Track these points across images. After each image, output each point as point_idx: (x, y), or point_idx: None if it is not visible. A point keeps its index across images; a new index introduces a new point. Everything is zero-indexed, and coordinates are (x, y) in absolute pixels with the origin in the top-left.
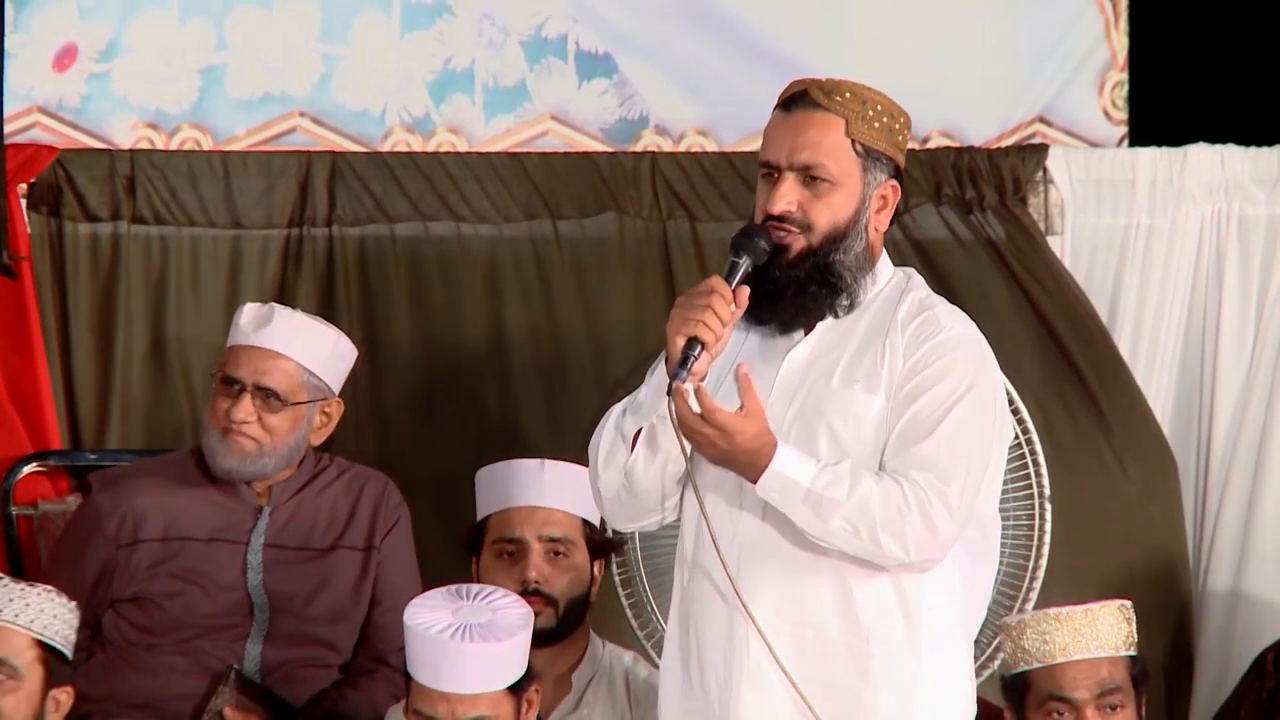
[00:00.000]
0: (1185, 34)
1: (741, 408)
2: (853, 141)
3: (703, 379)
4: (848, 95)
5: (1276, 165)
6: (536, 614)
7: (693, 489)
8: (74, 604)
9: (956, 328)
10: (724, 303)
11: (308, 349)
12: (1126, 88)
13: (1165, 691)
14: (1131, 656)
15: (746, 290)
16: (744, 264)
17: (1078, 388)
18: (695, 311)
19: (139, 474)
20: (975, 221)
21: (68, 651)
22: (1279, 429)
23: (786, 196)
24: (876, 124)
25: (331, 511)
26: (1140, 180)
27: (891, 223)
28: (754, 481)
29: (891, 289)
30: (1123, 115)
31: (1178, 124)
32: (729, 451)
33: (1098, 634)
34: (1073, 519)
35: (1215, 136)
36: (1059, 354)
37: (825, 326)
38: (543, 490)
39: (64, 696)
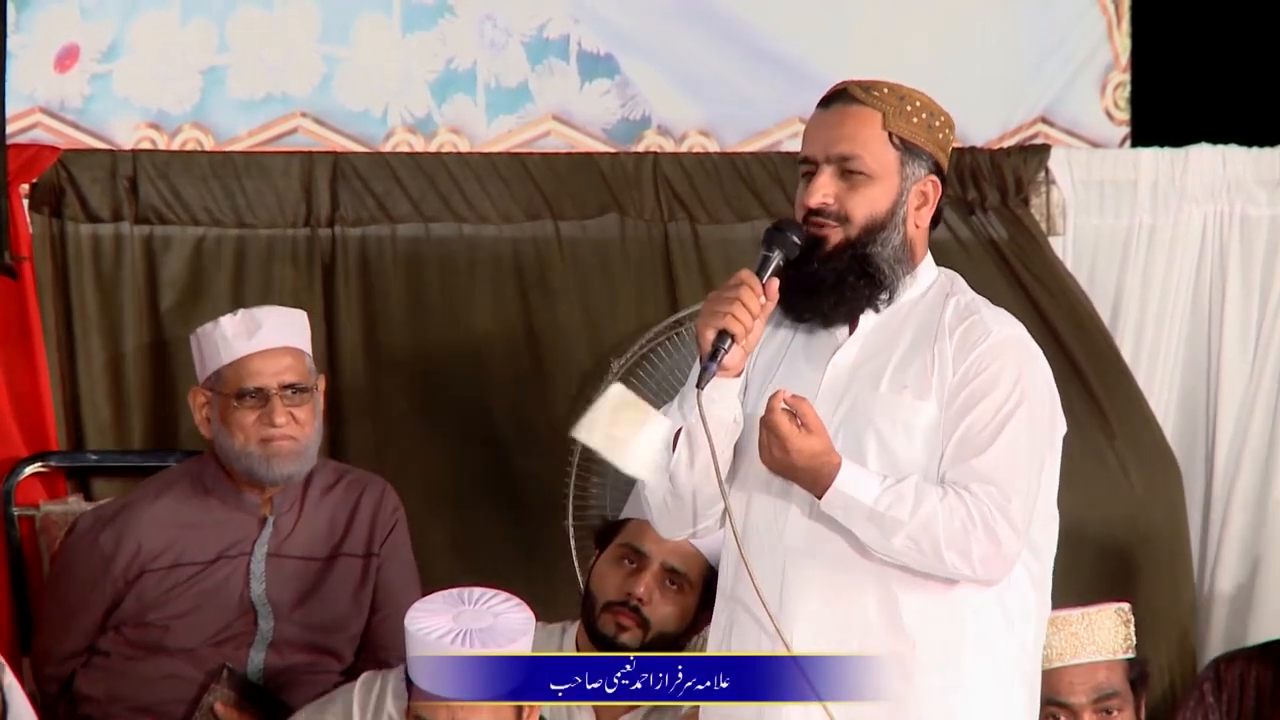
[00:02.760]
0: (1187, 34)
1: (800, 423)
2: (890, 135)
3: (738, 374)
4: (885, 91)
5: (1279, 165)
6: (624, 629)
7: (721, 493)
8: None
9: (1003, 330)
10: (753, 295)
11: (300, 333)
12: (1128, 88)
13: (1169, 695)
14: (1130, 660)
15: (776, 283)
16: (775, 258)
17: (1079, 390)
18: (724, 304)
19: (138, 506)
20: (977, 222)
21: None
22: None
23: (824, 189)
24: (915, 119)
25: (331, 519)
26: (1142, 181)
27: (937, 222)
28: (818, 497)
29: (936, 291)
30: (1125, 116)
31: (1180, 124)
32: (787, 464)
33: (1094, 638)
34: (1074, 522)
35: (1217, 137)
36: (1061, 356)
37: (870, 329)
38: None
39: None
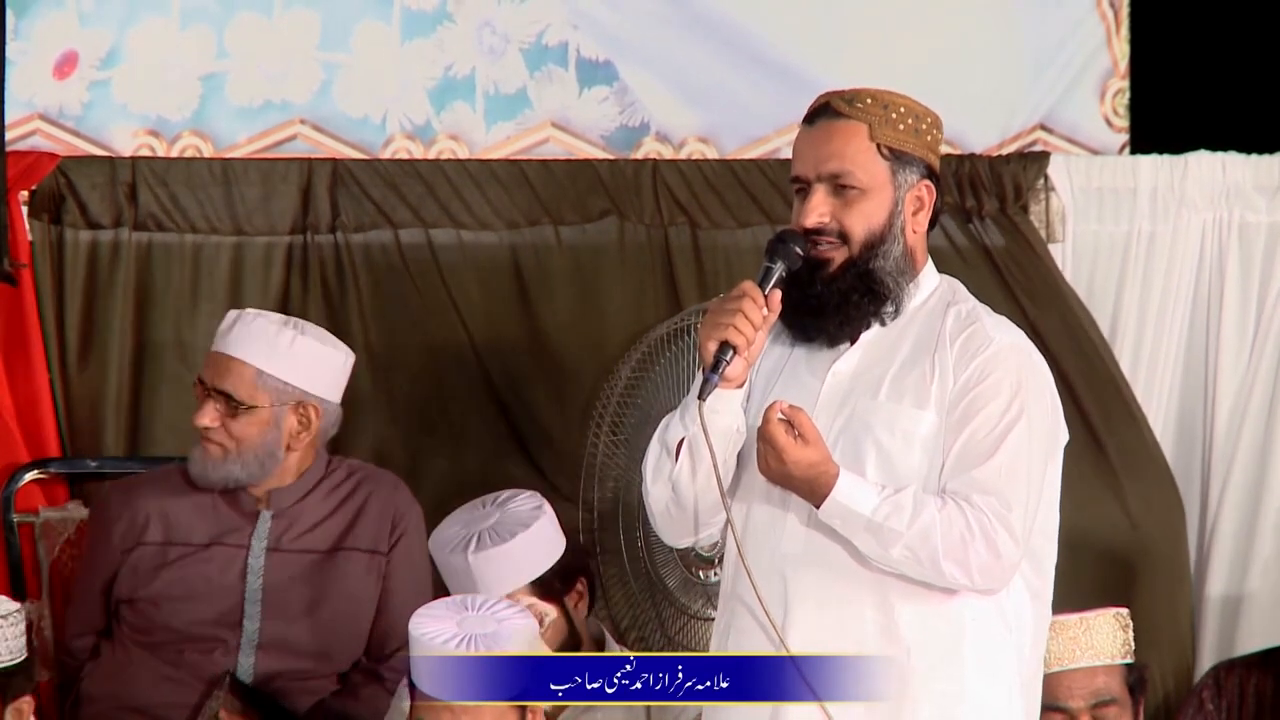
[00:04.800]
0: (1186, 41)
1: (797, 434)
2: (878, 145)
3: (740, 385)
4: (869, 101)
5: (1277, 172)
6: None
7: (723, 503)
8: (16, 606)
9: (1005, 338)
10: (755, 307)
11: (266, 352)
12: (1128, 95)
13: (1165, 705)
14: (1128, 664)
15: (779, 294)
16: (778, 269)
17: (1073, 402)
18: (726, 316)
19: (147, 481)
20: (974, 230)
21: (19, 660)
22: (1279, 435)
23: (818, 209)
24: (901, 125)
25: (338, 514)
26: (1141, 188)
27: (933, 224)
28: (816, 507)
29: (937, 300)
30: (1124, 123)
31: (1179, 131)
32: (783, 474)
33: (1093, 643)
34: (1070, 534)
35: (1216, 144)
36: (1056, 366)
37: (870, 338)
38: (479, 583)
39: (25, 705)
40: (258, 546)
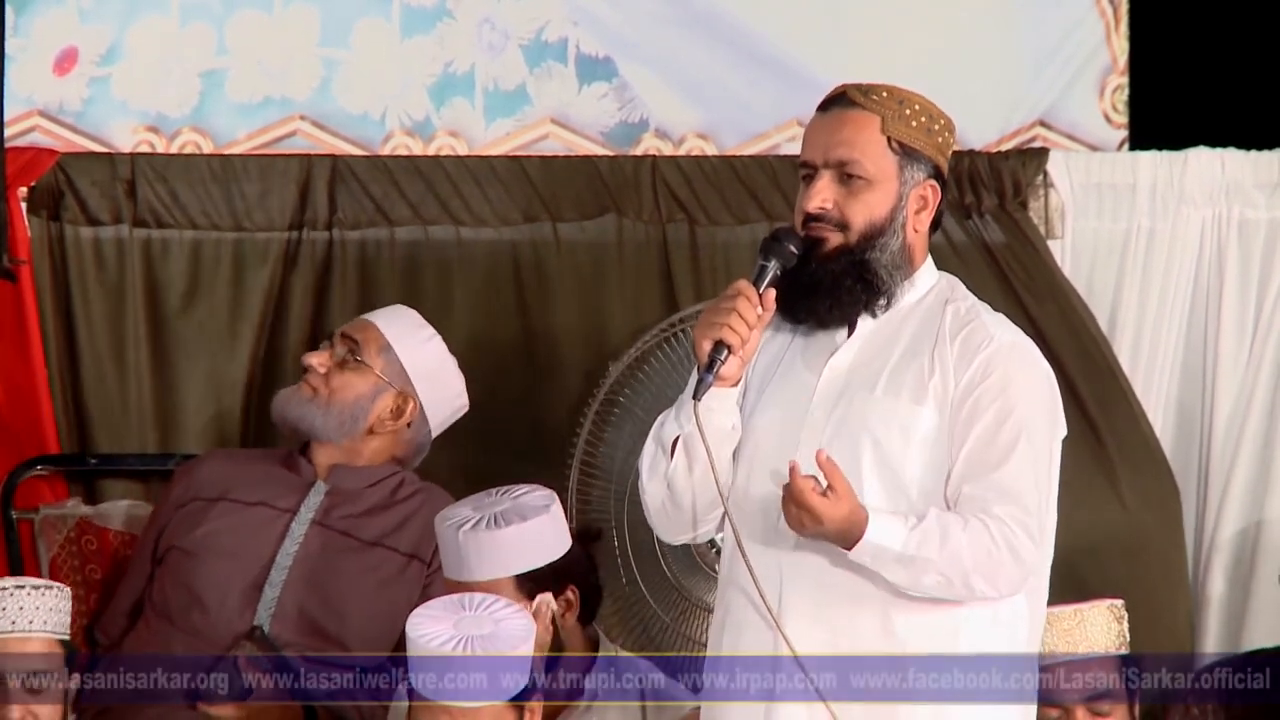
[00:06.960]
0: (1186, 38)
1: (828, 488)
2: (889, 139)
3: (735, 383)
4: (885, 95)
5: (1277, 169)
6: None
7: (724, 509)
8: (68, 589)
9: (1005, 336)
10: (749, 306)
11: (401, 332)
12: (1127, 91)
13: (1161, 695)
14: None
15: (773, 293)
16: (772, 267)
17: (1072, 397)
18: (721, 315)
19: (219, 451)
20: (972, 227)
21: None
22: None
23: (822, 194)
24: (914, 123)
25: (389, 513)
26: (1141, 184)
27: (936, 226)
28: (846, 549)
29: (935, 297)
30: (1123, 119)
31: (1178, 128)
32: (819, 532)
33: (1087, 635)
34: (1067, 533)
35: (1216, 140)
36: (1055, 362)
37: (868, 332)
38: (463, 563)
39: (73, 684)
40: (304, 515)
